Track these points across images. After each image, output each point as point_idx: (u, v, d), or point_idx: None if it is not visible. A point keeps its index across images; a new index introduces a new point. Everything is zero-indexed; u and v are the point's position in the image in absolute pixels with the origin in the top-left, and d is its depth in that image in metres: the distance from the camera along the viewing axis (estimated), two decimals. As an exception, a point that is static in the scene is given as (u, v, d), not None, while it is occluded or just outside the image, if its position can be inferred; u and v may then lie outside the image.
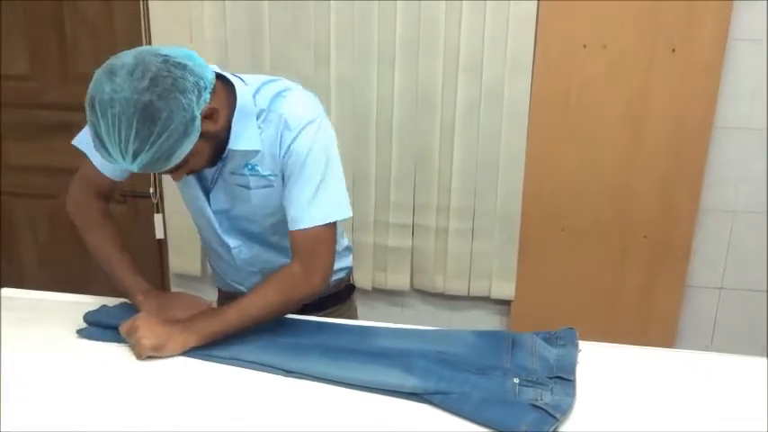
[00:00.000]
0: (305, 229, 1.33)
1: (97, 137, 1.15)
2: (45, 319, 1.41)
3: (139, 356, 1.25)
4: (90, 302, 1.46)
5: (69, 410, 1.10)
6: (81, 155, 1.45)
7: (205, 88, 1.19)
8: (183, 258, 2.69)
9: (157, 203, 2.68)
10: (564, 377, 1.18)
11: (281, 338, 1.32)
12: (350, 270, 1.68)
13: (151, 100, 1.12)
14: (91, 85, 1.15)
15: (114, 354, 1.28)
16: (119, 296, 1.50)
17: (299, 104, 1.35)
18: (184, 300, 1.44)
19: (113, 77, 1.13)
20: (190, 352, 1.27)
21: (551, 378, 1.18)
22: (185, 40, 2.43)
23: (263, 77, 1.39)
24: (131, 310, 1.43)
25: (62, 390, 1.16)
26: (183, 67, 1.17)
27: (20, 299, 1.53)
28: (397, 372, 1.18)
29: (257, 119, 1.33)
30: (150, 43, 2.47)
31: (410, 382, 1.15)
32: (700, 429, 1.08)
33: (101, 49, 2.61)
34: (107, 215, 1.51)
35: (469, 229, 2.46)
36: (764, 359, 1.30)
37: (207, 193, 1.43)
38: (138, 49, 1.19)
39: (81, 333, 1.34)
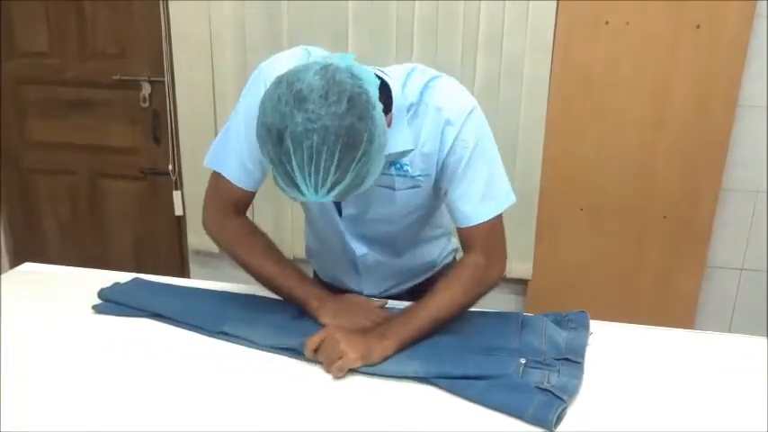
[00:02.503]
0: (480, 224, 1.26)
1: (285, 173, 1.02)
2: (63, 294, 1.44)
3: (340, 371, 1.14)
4: (107, 278, 1.48)
5: (84, 383, 1.11)
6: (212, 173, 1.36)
7: (377, 96, 1.06)
8: (202, 235, 2.64)
9: (176, 180, 2.71)
10: (572, 359, 1.17)
11: (283, 322, 1.30)
12: (456, 250, 1.60)
13: (352, 123, 0.99)
14: (272, 117, 1.00)
15: (128, 328, 1.30)
16: (132, 272, 1.53)
17: (453, 94, 1.24)
18: (361, 303, 1.38)
19: (304, 104, 0.98)
20: (205, 331, 1.28)
21: (559, 360, 1.17)
22: (203, 15, 2.43)
23: (402, 68, 1.25)
24: (144, 286, 1.47)
25: (77, 363, 1.17)
26: (361, 77, 1.04)
27: (40, 273, 1.57)
28: (398, 357, 1.17)
29: (407, 113, 1.21)
30: (168, 18, 2.47)
31: (411, 367, 1.14)
32: (715, 411, 1.07)
33: (119, 27, 2.63)
34: (251, 229, 1.39)
35: (487, 207, 2.44)
36: (786, 340, 1.28)
37: None
38: (311, 65, 1.03)
39: (96, 308, 1.36)
